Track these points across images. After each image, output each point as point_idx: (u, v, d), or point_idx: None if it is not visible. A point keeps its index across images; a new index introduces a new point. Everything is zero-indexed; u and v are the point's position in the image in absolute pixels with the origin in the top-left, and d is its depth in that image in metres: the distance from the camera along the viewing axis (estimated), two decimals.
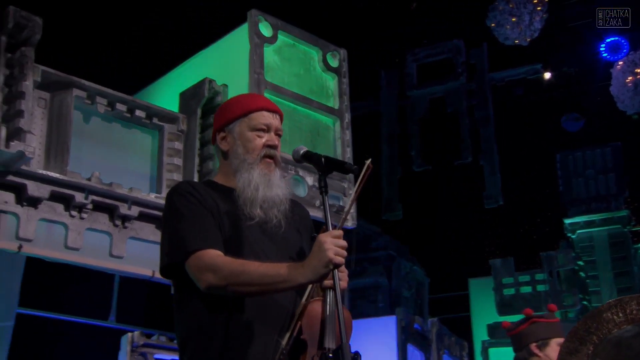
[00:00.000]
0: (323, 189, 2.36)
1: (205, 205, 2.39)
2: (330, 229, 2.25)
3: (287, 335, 2.27)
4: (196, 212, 2.38)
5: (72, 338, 5.00)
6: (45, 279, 4.77)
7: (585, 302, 9.34)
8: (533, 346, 3.44)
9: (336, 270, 2.17)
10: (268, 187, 2.45)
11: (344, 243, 2.21)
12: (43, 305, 4.82)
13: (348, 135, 4.61)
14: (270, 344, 2.29)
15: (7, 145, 3.43)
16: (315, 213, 4.29)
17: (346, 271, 2.37)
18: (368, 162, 2.44)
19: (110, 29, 5.54)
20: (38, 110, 3.86)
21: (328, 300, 2.31)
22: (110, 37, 5.45)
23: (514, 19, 9.43)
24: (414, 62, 11.22)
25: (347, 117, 4.65)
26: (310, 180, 4.31)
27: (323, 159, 2.42)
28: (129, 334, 4.03)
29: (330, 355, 2.25)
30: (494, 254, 10.57)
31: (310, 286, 2.31)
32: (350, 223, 4.44)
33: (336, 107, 4.65)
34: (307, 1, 7.39)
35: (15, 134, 3.51)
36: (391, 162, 11.03)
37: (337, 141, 4.57)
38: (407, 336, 6.59)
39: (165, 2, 5.63)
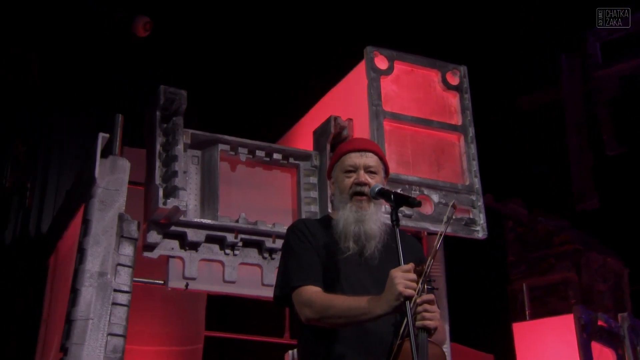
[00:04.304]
0: (395, 222, 2.68)
1: (312, 243, 2.78)
2: (402, 262, 2.51)
3: None
4: (304, 249, 2.78)
5: (253, 355, 5.71)
6: (226, 305, 5.53)
7: None
8: None
9: (408, 302, 2.41)
10: (359, 222, 2.77)
11: (413, 276, 2.47)
12: (226, 328, 5.59)
13: (473, 149, 4.77)
14: None
15: (164, 203, 4.15)
16: (443, 228, 4.54)
17: (437, 311, 2.57)
18: (452, 202, 2.86)
19: (248, 89, 6.29)
20: (192, 167, 4.58)
21: (420, 338, 2.50)
22: (249, 94, 6.18)
23: None
24: (596, 42, 10.70)
25: (471, 131, 4.82)
26: (436, 197, 4.57)
27: (392, 195, 2.75)
28: (290, 351, 4.57)
29: None
30: None
31: (403, 326, 2.55)
32: (481, 234, 4.61)
33: (459, 123, 4.84)
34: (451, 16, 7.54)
35: (172, 192, 4.21)
36: (581, 150, 10.61)
37: (462, 156, 4.77)
38: (589, 334, 6.42)
39: (291, 54, 6.23)
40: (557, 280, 8.19)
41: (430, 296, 2.60)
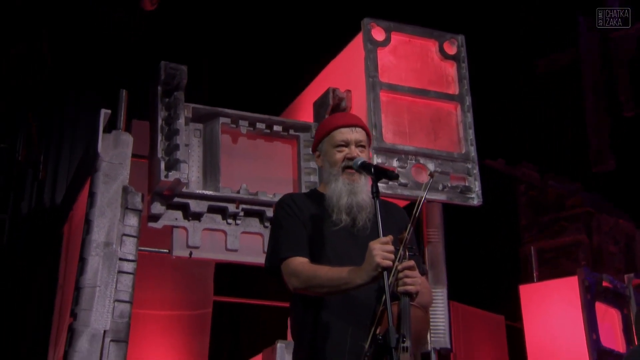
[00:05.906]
0: (374, 194, 2.80)
1: (299, 216, 2.93)
2: (381, 234, 2.65)
3: (369, 339, 2.62)
4: (291, 222, 2.93)
5: (260, 319, 5.93)
6: (234, 271, 5.73)
7: None
8: None
9: (385, 272, 2.56)
10: (352, 194, 2.90)
11: (391, 248, 2.61)
12: (234, 293, 5.81)
13: (470, 118, 4.85)
14: (349, 337, 2.71)
15: (166, 175, 4.32)
16: (439, 196, 4.67)
17: (418, 276, 2.71)
18: (430, 172, 2.94)
19: (252, 62, 6.39)
20: (195, 140, 4.74)
21: (403, 303, 2.63)
22: (252, 68, 6.30)
23: None
24: (615, 1, 10.55)
25: (468, 100, 4.89)
26: (432, 166, 4.67)
27: (373, 169, 2.87)
28: None
29: (380, 337, 2.67)
30: None
31: (385, 293, 2.62)
32: (476, 201, 4.72)
33: (456, 92, 4.91)
34: None
35: (173, 164, 4.37)
36: (598, 111, 10.55)
37: (459, 125, 4.85)
38: (593, 295, 6.52)
39: (291, 28, 6.29)
40: (568, 243, 8.26)
41: (411, 262, 2.73)
